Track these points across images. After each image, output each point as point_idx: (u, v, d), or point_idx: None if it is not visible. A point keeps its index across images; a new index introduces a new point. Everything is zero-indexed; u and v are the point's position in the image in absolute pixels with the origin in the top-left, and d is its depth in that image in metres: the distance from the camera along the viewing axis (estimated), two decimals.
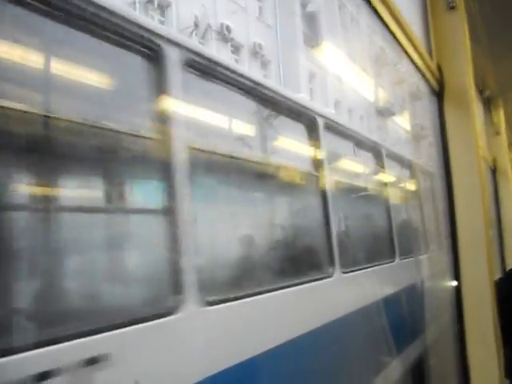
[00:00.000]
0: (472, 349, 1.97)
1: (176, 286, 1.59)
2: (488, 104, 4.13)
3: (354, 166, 3.82)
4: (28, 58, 1.33)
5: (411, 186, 4.84)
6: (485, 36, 2.95)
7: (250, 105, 2.50)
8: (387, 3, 1.46)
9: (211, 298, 1.73)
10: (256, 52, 19.10)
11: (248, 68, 17.86)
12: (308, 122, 2.83)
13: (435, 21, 2.03)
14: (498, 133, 4.22)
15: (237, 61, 18.24)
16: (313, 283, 2.51)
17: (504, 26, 2.99)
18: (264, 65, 20.38)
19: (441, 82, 2.05)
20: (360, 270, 3.10)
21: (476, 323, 1.93)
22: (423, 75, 1.95)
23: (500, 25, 2.95)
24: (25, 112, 1.31)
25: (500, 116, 4.27)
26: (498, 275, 2.58)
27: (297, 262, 2.64)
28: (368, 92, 22.76)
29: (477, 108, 2.42)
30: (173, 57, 1.74)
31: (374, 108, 26.09)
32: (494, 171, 4.09)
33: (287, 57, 21.29)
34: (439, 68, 2.04)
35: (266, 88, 2.45)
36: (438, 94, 2.08)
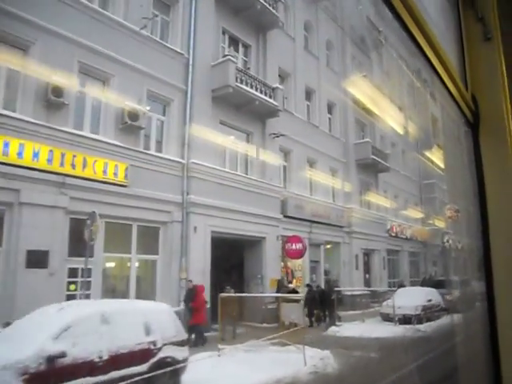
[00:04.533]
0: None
1: None
2: None
3: None
4: None
5: None
6: None
7: None
8: (423, 29, 1.34)
9: None
10: None
11: None
12: None
13: (471, 51, 1.90)
14: None
15: None
16: None
17: None
18: None
19: (476, 114, 1.88)
20: None
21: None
22: (458, 105, 1.77)
23: None
24: None
25: None
26: None
27: None
28: None
29: None
30: None
31: None
32: None
33: None
34: (474, 99, 1.87)
35: None
36: (473, 125, 1.90)
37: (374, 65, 26.24)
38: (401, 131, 28.13)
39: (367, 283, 22.62)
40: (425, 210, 30.10)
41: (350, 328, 14.03)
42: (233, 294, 10.99)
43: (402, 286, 22.10)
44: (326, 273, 20.26)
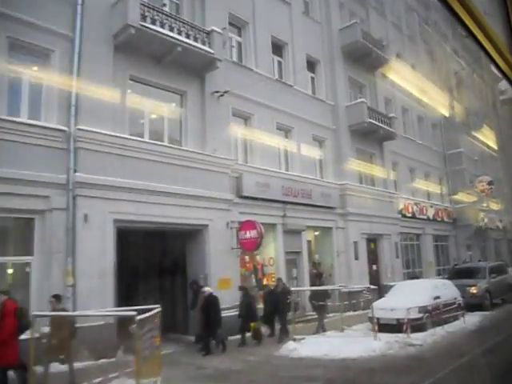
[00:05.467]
0: None
1: None
2: None
3: None
4: None
5: None
6: None
7: None
8: (468, 6, 1.34)
9: None
10: None
11: None
12: None
13: None
14: None
15: None
16: None
17: None
18: None
19: None
20: None
21: None
22: (508, 80, 1.78)
23: None
24: None
25: None
26: None
27: None
28: None
29: None
30: None
31: None
32: None
33: None
34: None
35: None
36: None
37: (371, 14, 21.44)
38: (417, 94, 23.09)
39: (374, 276, 18.02)
40: (452, 184, 24.78)
41: (314, 343, 9.81)
42: (53, 313, 7.03)
43: (414, 277, 17.37)
44: (316, 265, 15.93)
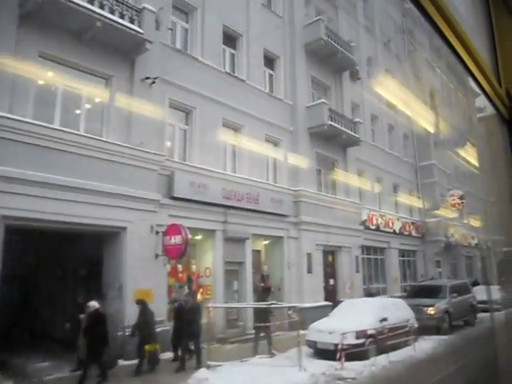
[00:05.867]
0: None
1: None
2: None
3: None
4: None
5: None
6: None
7: None
8: (454, 27, 1.36)
9: None
10: None
11: None
12: None
13: (503, 46, 1.86)
14: None
15: None
16: None
17: None
18: None
19: (511, 109, 1.86)
20: None
21: None
22: (491, 101, 1.76)
23: None
24: None
25: None
26: None
27: None
28: None
29: None
30: None
31: None
32: None
33: None
34: (508, 94, 1.86)
35: None
36: (509, 121, 1.89)
37: (341, 14, 20.33)
38: (389, 100, 21.98)
39: (331, 292, 16.58)
40: (422, 197, 23.62)
41: (230, 372, 8.25)
42: None
43: (371, 294, 15.99)
44: (264, 278, 14.46)
